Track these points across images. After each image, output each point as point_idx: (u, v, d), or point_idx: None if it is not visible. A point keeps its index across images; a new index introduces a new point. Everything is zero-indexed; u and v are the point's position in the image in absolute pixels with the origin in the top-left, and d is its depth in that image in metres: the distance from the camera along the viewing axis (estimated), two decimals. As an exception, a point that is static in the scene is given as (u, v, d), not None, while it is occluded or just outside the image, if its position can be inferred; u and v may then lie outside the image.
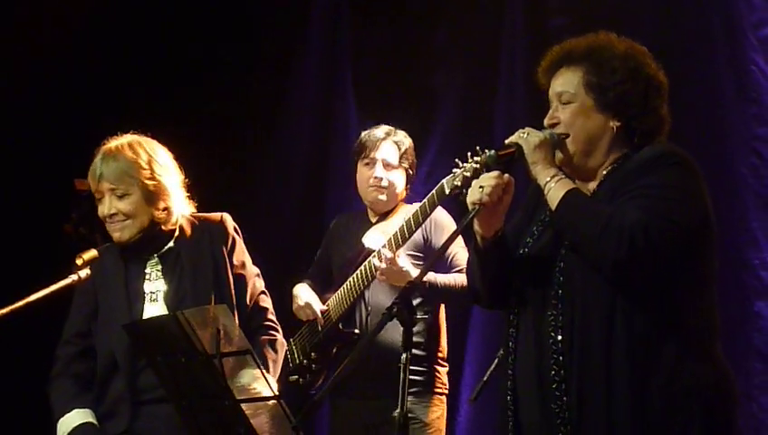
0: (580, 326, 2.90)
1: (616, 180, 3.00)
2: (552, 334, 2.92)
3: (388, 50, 5.84)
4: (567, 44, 3.14)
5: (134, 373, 3.71)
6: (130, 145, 3.79)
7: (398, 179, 4.67)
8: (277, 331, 3.96)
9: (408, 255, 4.51)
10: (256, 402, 3.24)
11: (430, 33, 5.75)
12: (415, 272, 4.34)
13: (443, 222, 4.55)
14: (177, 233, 3.85)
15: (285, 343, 4.00)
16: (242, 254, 3.91)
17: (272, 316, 3.97)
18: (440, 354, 4.63)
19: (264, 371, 3.25)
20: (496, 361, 3.65)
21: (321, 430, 5.42)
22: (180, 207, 3.85)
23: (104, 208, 3.78)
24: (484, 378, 3.91)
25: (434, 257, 4.38)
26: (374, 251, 4.47)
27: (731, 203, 4.66)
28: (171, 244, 3.85)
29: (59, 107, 5.93)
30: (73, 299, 3.88)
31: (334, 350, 4.67)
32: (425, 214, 4.33)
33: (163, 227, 3.82)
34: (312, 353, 4.74)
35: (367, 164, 4.68)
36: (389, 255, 4.36)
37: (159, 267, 3.84)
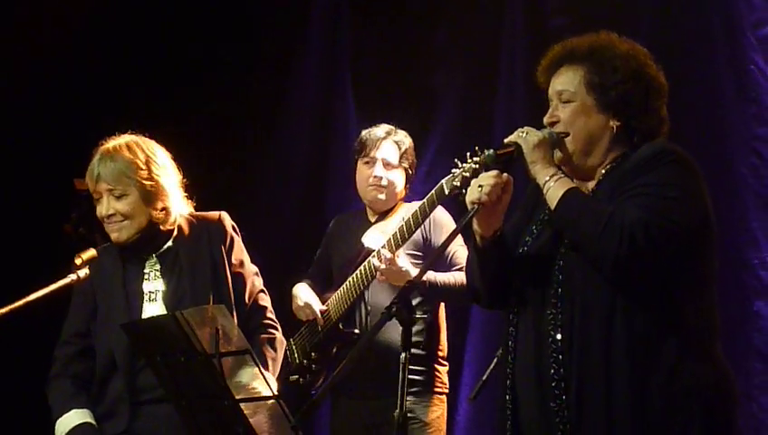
0: (580, 325, 2.90)
1: (615, 179, 3.00)
2: (552, 333, 2.93)
3: (388, 50, 5.84)
4: (568, 43, 3.14)
5: (133, 373, 3.71)
6: (128, 145, 3.79)
7: (398, 179, 4.67)
8: (276, 329, 3.96)
9: (408, 254, 4.51)
10: (255, 402, 3.24)
11: (430, 33, 5.75)
12: (414, 271, 4.34)
13: (442, 221, 4.55)
14: (175, 233, 3.85)
15: (284, 342, 4.00)
16: (240, 252, 3.91)
17: (271, 315, 3.97)
18: (440, 353, 4.63)
19: (262, 370, 3.25)
20: (495, 360, 3.66)
21: (321, 429, 5.42)
22: (179, 207, 3.85)
23: (102, 209, 3.78)
24: (484, 377, 3.91)
25: (433, 257, 4.38)
26: (374, 251, 4.47)
27: (731, 203, 4.65)
28: (170, 243, 3.85)
29: (59, 107, 5.94)
30: (72, 299, 3.88)
31: (334, 350, 4.67)
32: (424, 214, 4.34)
33: (161, 227, 3.82)
34: (312, 353, 4.74)
35: (367, 163, 4.68)
36: (389, 255, 4.35)
37: (158, 267, 3.84)
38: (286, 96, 6.14)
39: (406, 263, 4.41)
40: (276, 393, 3.26)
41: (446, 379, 4.64)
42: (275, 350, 3.91)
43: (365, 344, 3.90)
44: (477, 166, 3.09)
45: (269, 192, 6.08)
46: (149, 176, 3.76)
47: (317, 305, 4.66)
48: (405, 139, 4.71)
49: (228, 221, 3.92)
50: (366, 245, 4.59)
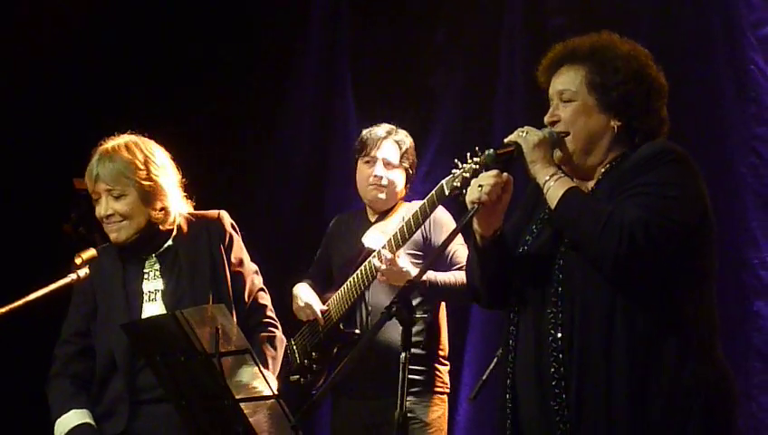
0: (580, 324, 2.91)
1: (614, 179, 3.00)
2: (552, 332, 2.93)
3: (387, 50, 5.84)
4: (569, 43, 3.14)
5: (133, 373, 3.71)
6: (127, 145, 3.79)
7: (398, 179, 4.67)
8: (276, 327, 3.96)
9: (408, 254, 4.51)
10: (255, 402, 3.24)
11: (430, 33, 5.76)
12: (415, 272, 4.33)
13: (442, 220, 4.55)
14: (174, 232, 3.85)
15: (284, 340, 4.00)
16: (240, 251, 3.91)
17: (270, 313, 3.97)
18: (441, 353, 4.62)
19: (262, 369, 3.25)
20: (495, 360, 3.65)
21: (321, 430, 5.42)
22: (178, 207, 3.85)
23: (101, 209, 3.79)
24: (484, 377, 3.91)
25: (433, 256, 4.37)
26: (374, 251, 4.47)
27: (730, 203, 4.65)
28: (169, 243, 3.85)
29: (59, 107, 5.94)
30: (72, 298, 3.88)
31: (335, 350, 4.67)
32: (424, 215, 4.34)
33: (161, 227, 3.82)
34: (313, 353, 4.73)
35: (367, 162, 4.68)
36: (389, 255, 4.35)
37: (158, 267, 3.84)
38: (286, 96, 6.14)
39: (406, 263, 4.41)
40: (276, 393, 3.26)
41: (447, 378, 4.64)
42: (275, 348, 3.91)
43: (365, 344, 3.90)
44: (477, 166, 3.09)
45: (269, 192, 6.08)
46: (148, 176, 3.76)
47: (317, 306, 4.66)
48: (405, 138, 4.71)
49: (227, 220, 3.92)
50: (366, 245, 4.59)
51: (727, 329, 3.17)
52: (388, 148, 4.66)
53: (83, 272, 3.74)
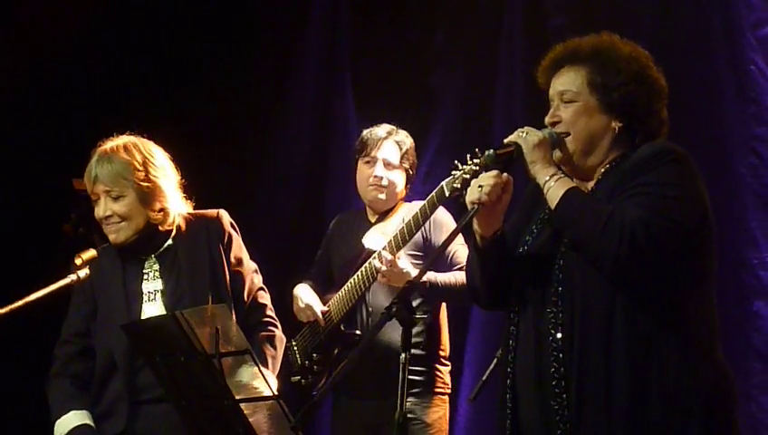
0: (581, 324, 2.91)
1: (614, 179, 3.00)
2: (552, 332, 2.93)
3: (387, 50, 5.84)
4: (570, 44, 3.14)
5: (132, 373, 3.72)
6: (125, 147, 3.79)
7: (398, 179, 4.66)
8: (276, 326, 3.97)
9: (409, 254, 4.51)
10: (255, 402, 3.24)
11: (430, 34, 5.75)
12: (415, 273, 4.33)
13: (442, 220, 4.55)
14: (174, 232, 3.86)
15: (284, 339, 4.00)
16: (239, 250, 3.92)
17: (270, 312, 3.97)
18: (442, 354, 4.61)
19: (262, 370, 3.25)
20: (495, 360, 3.65)
21: (321, 430, 5.43)
22: (177, 208, 3.85)
23: (99, 210, 3.79)
24: (484, 377, 3.91)
25: (433, 257, 4.37)
26: (374, 252, 4.47)
27: (730, 203, 4.65)
28: (169, 243, 3.85)
29: (59, 107, 5.94)
30: (72, 298, 3.88)
31: (336, 351, 4.66)
32: (425, 216, 4.34)
33: (160, 228, 3.82)
34: (314, 355, 4.73)
35: (367, 162, 4.68)
36: (389, 257, 4.35)
37: (157, 267, 3.84)
38: (286, 96, 6.14)
39: (406, 264, 4.41)
40: (276, 393, 3.26)
41: (448, 379, 4.63)
42: (275, 347, 3.91)
43: (365, 345, 3.90)
44: (477, 168, 3.09)
45: (269, 192, 6.08)
46: (146, 177, 3.76)
47: (318, 307, 4.66)
48: (406, 139, 4.71)
49: (227, 218, 3.93)
50: (366, 246, 4.59)
51: (727, 329, 3.17)
52: (389, 148, 4.66)
53: (83, 272, 3.75)
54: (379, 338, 4.19)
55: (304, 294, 4.70)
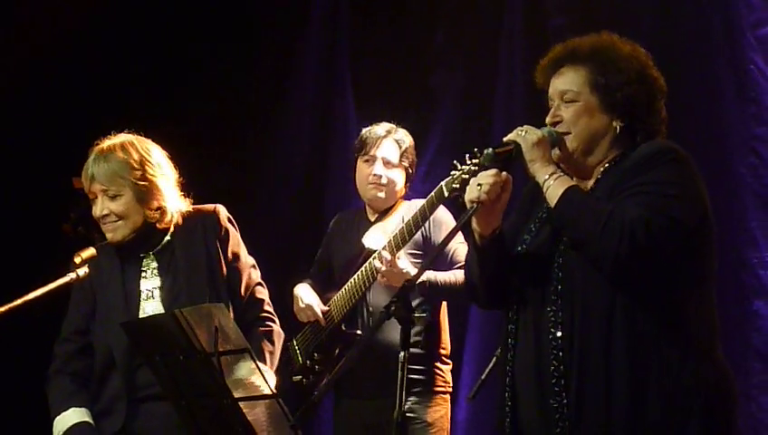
0: (580, 323, 2.90)
1: (614, 178, 3.00)
2: (552, 331, 2.92)
3: (387, 50, 5.84)
4: (570, 43, 3.13)
5: (131, 371, 3.72)
6: (122, 145, 3.79)
7: (398, 178, 4.66)
8: (274, 321, 3.97)
9: (408, 253, 4.50)
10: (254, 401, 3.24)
11: (430, 34, 5.75)
12: (415, 272, 4.33)
13: (442, 219, 4.54)
14: (171, 229, 3.85)
15: (282, 334, 4.00)
16: (236, 245, 3.91)
17: (268, 307, 3.97)
18: (443, 352, 4.60)
19: (261, 368, 3.25)
20: (495, 359, 3.65)
21: (322, 429, 5.43)
22: (175, 205, 3.85)
23: (97, 209, 3.80)
24: (483, 376, 3.91)
25: (432, 256, 4.36)
26: (374, 252, 4.47)
27: (730, 203, 4.65)
28: (167, 239, 3.85)
29: (59, 107, 5.94)
30: (71, 297, 3.88)
31: (337, 351, 4.66)
32: (424, 216, 4.33)
33: (157, 226, 3.82)
34: (315, 354, 4.73)
35: (367, 161, 4.67)
36: (389, 257, 4.35)
37: (155, 265, 3.85)
38: (286, 96, 6.15)
39: (406, 264, 4.40)
40: (275, 391, 3.26)
41: (449, 378, 4.62)
42: (273, 343, 3.91)
43: (364, 344, 3.90)
44: (476, 168, 3.09)
45: (269, 192, 6.08)
46: (143, 176, 3.76)
47: (318, 307, 4.66)
48: (405, 137, 4.70)
49: (224, 213, 3.92)
50: (366, 245, 4.59)
51: (726, 329, 3.17)
52: (388, 147, 4.66)
53: (83, 271, 3.75)
54: (379, 337, 4.19)
55: (305, 295, 4.70)
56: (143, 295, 3.81)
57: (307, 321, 4.72)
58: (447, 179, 4.14)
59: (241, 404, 3.19)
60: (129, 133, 3.86)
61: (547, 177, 2.98)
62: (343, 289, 4.58)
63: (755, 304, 4.66)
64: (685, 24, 4.91)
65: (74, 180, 4.17)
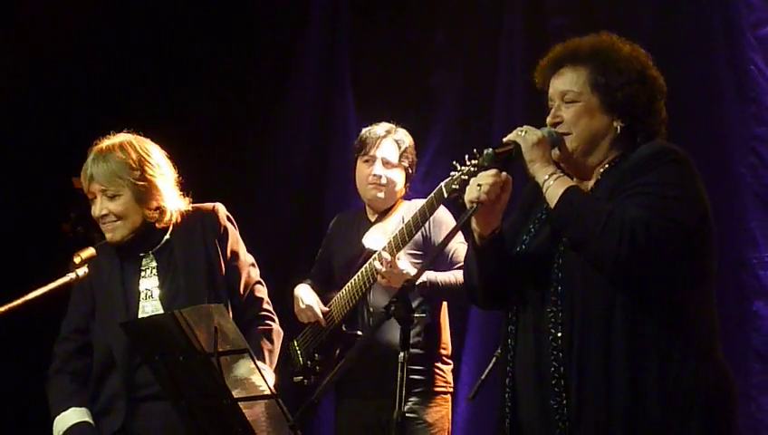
0: (580, 324, 2.90)
1: (613, 178, 2.99)
2: (552, 331, 2.92)
3: (387, 50, 5.85)
4: (570, 44, 3.13)
5: (131, 370, 3.72)
6: (121, 145, 3.79)
7: (398, 178, 4.66)
8: (273, 320, 3.96)
9: (408, 253, 4.51)
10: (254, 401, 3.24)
11: (429, 34, 5.75)
12: (415, 273, 4.33)
13: (441, 219, 4.54)
14: (170, 229, 3.85)
15: (281, 332, 4.00)
16: (235, 243, 3.91)
17: (267, 306, 3.97)
18: (443, 353, 4.60)
19: (261, 368, 3.25)
20: (494, 359, 3.65)
21: (322, 429, 5.42)
22: (174, 205, 3.85)
23: (96, 209, 3.80)
24: (483, 377, 3.91)
25: (431, 257, 4.36)
26: (374, 252, 4.47)
27: (729, 203, 4.65)
28: (166, 238, 3.85)
29: (59, 107, 5.94)
30: (71, 296, 3.88)
31: (338, 351, 4.66)
32: (424, 217, 4.34)
33: (157, 226, 3.82)
34: (316, 355, 4.73)
35: (366, 161, 4.67)
36: (389, 258, 4.35)
37: (154, 264, 3.85)
38: (286, 96, 6.15)
39: (406, 265, 4.40)
40: (275, 390, 3.26)
41: (449, 378, 4.62)
42: (272, 342, 3.91)
43: (363, 344, 3.90)
44: (475, 168, 3.09)
45: (269, 192, 6.08)
46: (142, 176, 3.76)
47: (318, 307, 4.66)
48: (405, 137, 4.70)
49: (222, 212, 3.92)
50: (367, 246, 4.59)
51: (726, 329, 3.17)
52: (388, 147, 4.66)
53: (82, 271, 3.75)
54: (379, 337, 4.19)
55: (305, 295, 4.70)
56: (142, 295, 3.81)
57: (307, 321, 4.72)
58: (447, 180, 4.14)
59: (240, 404, 3.19)
60: (128, 133, 3.86)
61: (547, 177, 2.98)
62: (344, 290, 4.59)
63: (755, 304, 4.66)
64: (685, 24, 4.91)
65: (74, 180, 4.17)
